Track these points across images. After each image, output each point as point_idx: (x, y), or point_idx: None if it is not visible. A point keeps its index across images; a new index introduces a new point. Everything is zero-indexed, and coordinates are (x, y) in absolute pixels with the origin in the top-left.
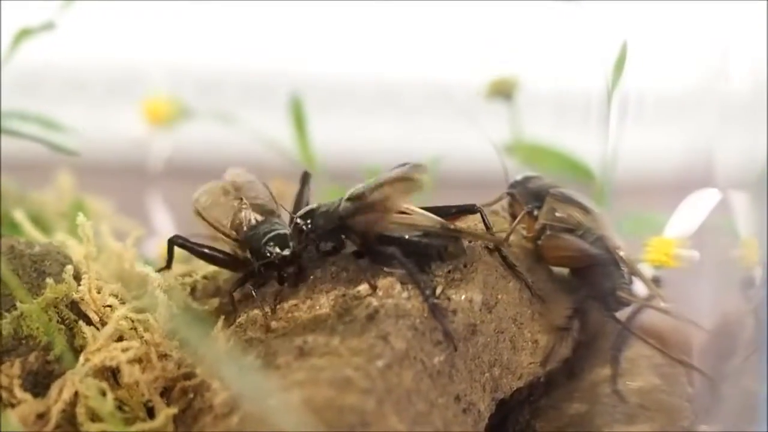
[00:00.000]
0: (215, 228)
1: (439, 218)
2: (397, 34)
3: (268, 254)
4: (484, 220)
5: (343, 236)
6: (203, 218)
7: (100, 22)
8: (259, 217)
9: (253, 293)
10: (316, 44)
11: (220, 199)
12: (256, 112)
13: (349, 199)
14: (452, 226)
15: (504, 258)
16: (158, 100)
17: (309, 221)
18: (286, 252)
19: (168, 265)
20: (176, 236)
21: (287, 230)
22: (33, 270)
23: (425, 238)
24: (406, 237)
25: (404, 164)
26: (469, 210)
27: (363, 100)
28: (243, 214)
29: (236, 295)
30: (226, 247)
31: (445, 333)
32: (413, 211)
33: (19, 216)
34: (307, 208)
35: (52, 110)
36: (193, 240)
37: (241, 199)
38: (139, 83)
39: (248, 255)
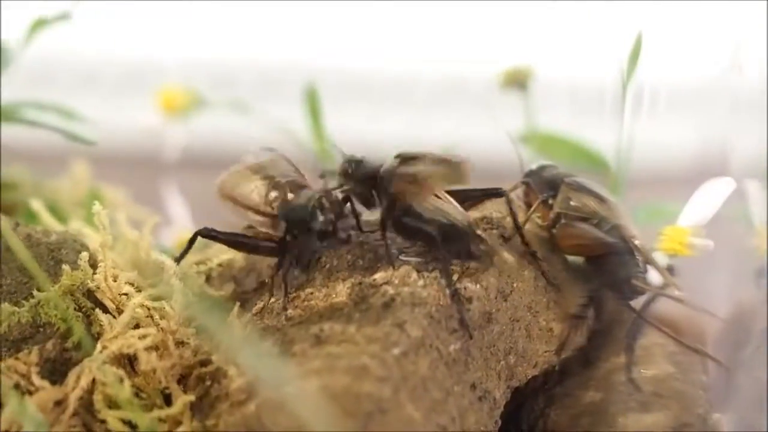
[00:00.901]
0: (248, 208)
1: (468, 215)
2: (411, 25)
3: (318, 219)
4: (509, 205)
5: (374, 193)
6: (233, 200)
7: (116, 13)
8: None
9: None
10: (330, 36)
11: (247, 180)
12: (271, 103)
13: (399, 159)
14: (478, 232)
15: (525, 244)
16: (173, 91)
17: (352, 166)
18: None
19: (182, 255)
20: (204, 228)
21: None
22: (50, 258)
23: (449, 227)
24: (432, 218)
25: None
26: (495, 194)
27: (378, 91)
28: (277, 189)
29: (254, 284)
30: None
31: (461, 322)
32: (445, 198)
33: (37, 205)
34: (352, 156)
35: (68, 100)
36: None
37: (272, 176)
38: (154, 74)
39: (285, 231)
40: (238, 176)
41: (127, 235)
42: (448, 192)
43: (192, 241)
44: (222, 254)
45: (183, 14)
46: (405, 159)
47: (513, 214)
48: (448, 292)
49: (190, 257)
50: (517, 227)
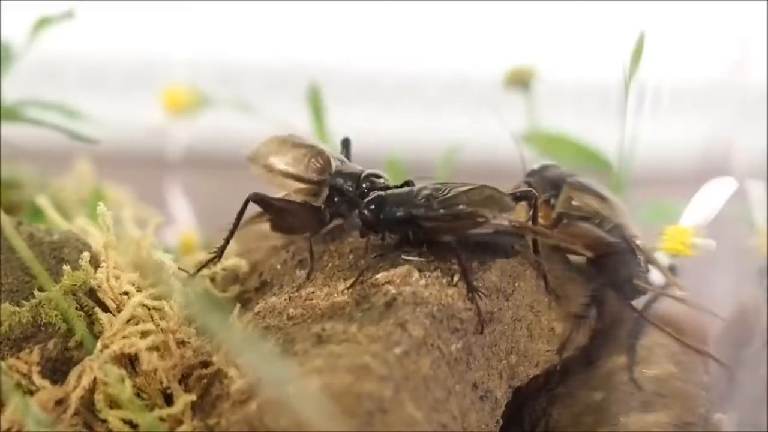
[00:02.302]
0: (287, 175)
1: (508, 216)
2: (415, 25)
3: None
4: (533, 209)
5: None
6: (269, 168)
7: (120, 12)
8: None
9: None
10: (335, 35)
11: (284, 148)
12: (275, 102)
13: (431, 201)
14: (518, 224)
15: (536, 251)
16: (177, 90)
17: (380, 209)
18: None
19: (235, 225)
20: (254, 194)
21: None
22: (52, 257)
23: (495, 234)
24: (478, 233)
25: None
26: (525, 197)
27: (382, 90)
28: (320, 158)
29: (255, 283)
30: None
31: (478, 313)
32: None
33: (42, 201)
34: (375, 196)
35: (72, 99)
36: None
37: (314, 145)
38: (159, 73)
39: (330, 200)
40: (274, 145)
41: (131, 234)
42: None
43: (244, 206)
44: (227, 259)
45: (188, 13)
46: (449, 205)
47: (535, 217)
48: (470, 294)
49: (196, 258)
50: (535, 232)
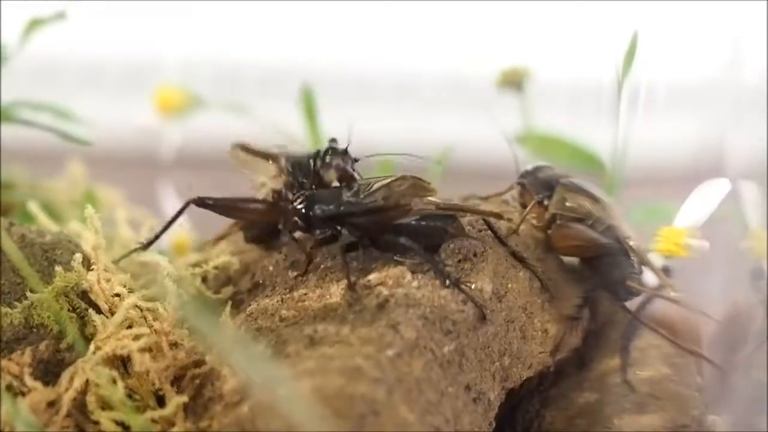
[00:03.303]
0: (265, 156)
1: (434, 200)
2: (408, 25)
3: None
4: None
5: (339, 227)
6: (249, 151)
7: (113, 13)
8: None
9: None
10: (329, 36)
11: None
12: (269, 104)
13: (357, 197)
14: (444, 205)
15: (513, 254)
16: (170, 91)
17: (311, 206)
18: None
19: (169, 223)
20: (198, 197)
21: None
22: (44, 259)
23: (424, 220)
24: (406, 222)
25: (409, 155)
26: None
27: (375, 91)
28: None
29: (248, 284)
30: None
31: (475, 303)
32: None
33: (34, 207)
34: (308, 193)
35: (65, 100)
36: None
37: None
38: (151, 74)
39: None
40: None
41: (124, 235)
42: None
43: (181, 210)
44: (219, 257)
45: (181, 14)
46: (372, 202)
47: (493, 231)
48: (447, 282)
49: (190, 257)
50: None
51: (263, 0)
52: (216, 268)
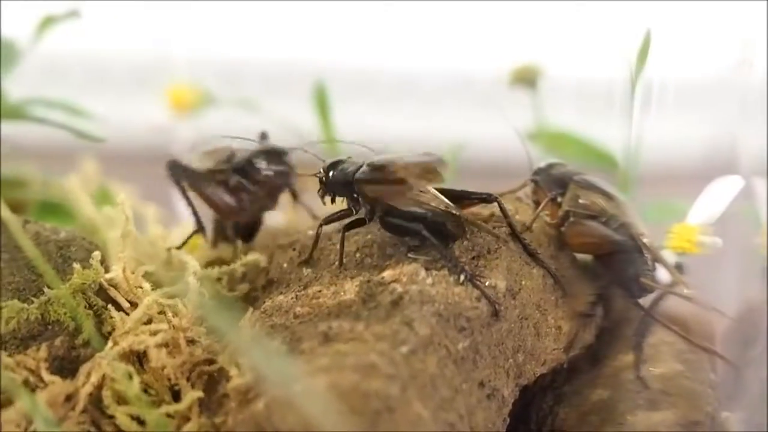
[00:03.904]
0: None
1: (445, 200)
2: (419, 22)
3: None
4: (502, 210)
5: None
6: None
7: (125, 11)
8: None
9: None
10: (339, 33)
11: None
12: (279, 101)
13: (370, 166)
14: (456, 211)
15: (524, 247)
16: (182, 88)
17: (330, 173)
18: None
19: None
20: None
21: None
22: (59, 256)
23: (428, 214)
24: (411, 210)
25: (429, 154)
26: (485, 199)
27: (385, 88)
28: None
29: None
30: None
31: (489, 300)
32: (427, 191)
33: (72, 185)
34: (334, 160)
35: (77, 98)
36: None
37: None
38: (164, 71)
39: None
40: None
41: (150, 231)
42: (441, 191)
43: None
44: (248, 256)
45: (192, 12)
46: (378, 166)
47: (507, 218)
48: (461, 278)
49: (205, 256)
50: (513, 231)
51: None
52: (244, 265)
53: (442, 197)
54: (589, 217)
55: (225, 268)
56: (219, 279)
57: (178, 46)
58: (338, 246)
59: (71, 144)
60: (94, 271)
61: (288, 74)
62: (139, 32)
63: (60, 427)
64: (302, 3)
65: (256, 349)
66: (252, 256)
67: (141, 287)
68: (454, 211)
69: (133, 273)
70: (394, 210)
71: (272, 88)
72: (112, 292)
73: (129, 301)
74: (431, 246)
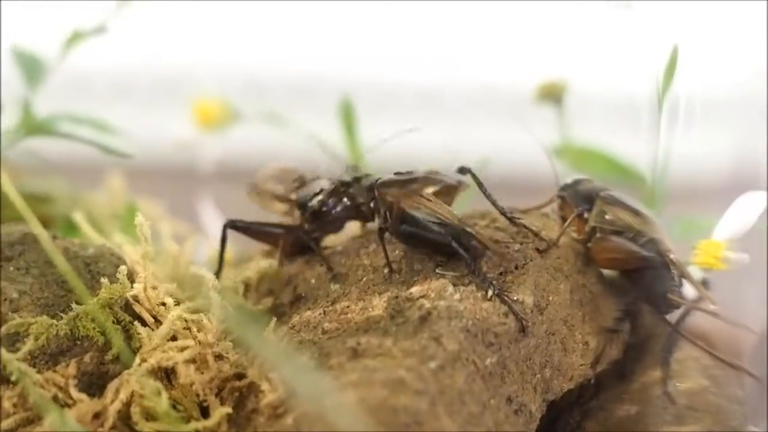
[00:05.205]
0: (274, 197)
1: (457, 215)
2: (446, 38)
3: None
4: (476, 181)
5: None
6: (261, 192)
7: (150, 26)
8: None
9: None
10: (365, 47)
11: (277, 177)
12: (305, 115)
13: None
14: (469, 229)
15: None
16: (208, 103)
17: (353, 177)
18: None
19: (220, 258)
20: (230, 220)
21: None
22: (87, 272)
23: (440, 225)
24: (424, 218)
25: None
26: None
27: (410, 102)
28: (299, 181)
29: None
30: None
31: (516, 316)
32: (441, 205)
33: (78, 217)
34: (352, 167)
35: (103, 112)
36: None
37: (298, 170)
38: (189, 86)
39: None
40: (267, 174)
41: (168, 248)
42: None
43: (224, 236)
44: (259, 263)
45: (217, 26)
46: (398, 173)
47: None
48: (488, 293)
49: (228, 272)
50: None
51: (297, 13)
52: (258, 272)
53: (455, 213)
54: (615, 233)
55: (240, 276)
56: (246, 289)
57: (205, 60)
58: (376, 255)
59: (98, 159)
60: (122, 286)
61: (314, 88)
62: (165, 47)
63: None
64: (328, 17)
65: (285, 364)
66: (263, 263)
67: (164, 304)
68: (468, 229)
69: (154, 290)
70: (408, 217)
71: (298, 102)
72: (137, 308)
73: (153, 316)
74: (460, 259)
